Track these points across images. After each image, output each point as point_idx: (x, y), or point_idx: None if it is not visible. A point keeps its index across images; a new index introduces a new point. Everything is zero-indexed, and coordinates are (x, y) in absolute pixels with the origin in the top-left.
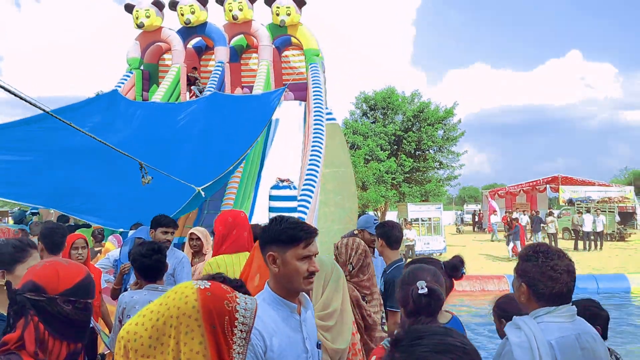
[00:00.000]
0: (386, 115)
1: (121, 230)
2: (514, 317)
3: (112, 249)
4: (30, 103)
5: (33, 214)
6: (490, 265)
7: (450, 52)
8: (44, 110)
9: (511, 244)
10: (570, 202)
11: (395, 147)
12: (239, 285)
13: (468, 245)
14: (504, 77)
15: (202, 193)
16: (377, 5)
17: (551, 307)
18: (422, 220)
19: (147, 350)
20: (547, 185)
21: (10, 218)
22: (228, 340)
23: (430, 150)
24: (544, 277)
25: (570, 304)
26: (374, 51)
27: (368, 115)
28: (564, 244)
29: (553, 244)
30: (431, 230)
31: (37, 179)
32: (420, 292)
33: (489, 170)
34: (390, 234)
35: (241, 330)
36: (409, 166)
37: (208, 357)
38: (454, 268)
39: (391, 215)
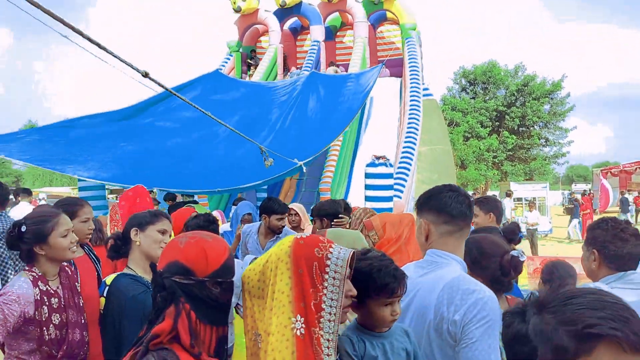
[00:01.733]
0: (487, 90)
1: (218, 189)
2: (589, 283)
3: (220, 224)
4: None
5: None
6: None
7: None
8: (166, 88)
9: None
10: None
11: (497, 123)
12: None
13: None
14: (622, 43)
15: (304, 168)
16: None
17: (619, 273)
18: (526, 200)
19: (257, 292)
20: None
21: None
22: (316, 284)
23: (536, 127)
24: (614, 239)
25: (636, 272)
26: (475, 20)
27: (467, 90)
28: None
29: None
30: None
31: (139, 159)
32: (521, 259)
33: (601, 147)
34: (500, 209)
35: (333, 277)
36: (512, 143)
37: (292, 297)
38: (512, 232)
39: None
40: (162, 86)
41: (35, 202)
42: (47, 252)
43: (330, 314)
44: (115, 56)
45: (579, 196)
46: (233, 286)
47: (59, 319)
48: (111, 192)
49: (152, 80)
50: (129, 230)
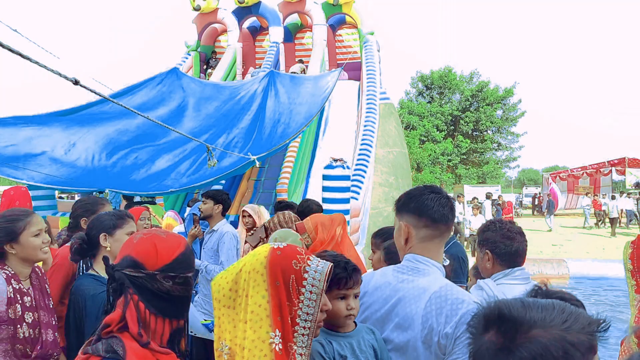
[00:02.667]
0: (443, 94)
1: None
2: (478, 280)
3: (175, 225)
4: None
5: (99, 191)
6: (551, 249)
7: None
8: (101, 95)
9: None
10: (638, 185)
11: (452, 127)
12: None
13: (526, 227)
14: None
15: (257, 163)
16: None
17: (507, 270)
18: (480, 203)
19: (227, 301)
20: (613, 168)
21: (79, 196)
22: (292, 297)
23: (489, 131)
24: (503, 238)
25: (524, 268)
26: (431, 29)
27: (424, 94)
28: (630, 230)
29: (612, 227)
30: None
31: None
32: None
33: (551, 152)
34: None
35: (310, 292)
36: (466, 147)
37: (269, 310)
38: None
39: None
40: (96, 93)
41: None
42: (18, 252)
43: (304, 327)
44: (41, 65)
45: (510, 198)
46: (189, 281)
47: (32, 318)
48: (61, 191)
49: (84, 87)
50: (96, 234)
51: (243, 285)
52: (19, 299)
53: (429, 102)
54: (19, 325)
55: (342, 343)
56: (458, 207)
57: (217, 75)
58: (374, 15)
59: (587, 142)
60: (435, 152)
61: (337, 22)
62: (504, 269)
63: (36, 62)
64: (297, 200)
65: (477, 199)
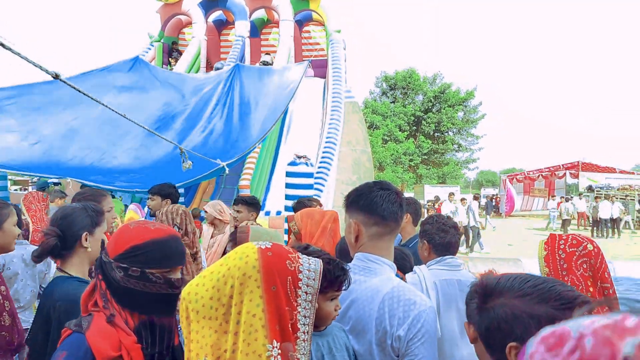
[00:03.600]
0: (406, 95)
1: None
2: (415, 266)
3: (137, 218)
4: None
5: (55, 183)
6: (505, 249)
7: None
8: (79, 90)
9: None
10: (590, 188)
11: (414, 128)
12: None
13: (484, 228)
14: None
15: (227, 169)
16: None
17: (439, 258)
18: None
19: (208, 312)
20: (567, 171)
21: (32, 187)
22: (291, 301)
23: (450, 132)
24: (438, 231)
25: (455, 257)
26: (396, 30)
27: (388, 94)
28: (584, 232)
29: (565, 229)
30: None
31: (51, 149)
32: None
33: (508, 154)
34: (418, 212)
35: (306, 292)
36: (427, 148)
37: (265, 319)
38: None
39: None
40: (75, 88)
41: None
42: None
43: (304, 332)
44: (22, 57)
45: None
46: (146, 276)
47: (8, 307)
48: (15, 182)
49: (64, 81)
50: (77, 232)
51: (229, 292)
52: None
53: (392, 102)
54: (4, 313)
55: (320, 342)
56: (449, 206)
57: (180, 67)
58: (340, 13)
59: (545, 143)
60: (397, 151)
61: (304, 18)
62: (438, 257)
63: (18, 54)
64: (260, 198)
65: (439, 197)
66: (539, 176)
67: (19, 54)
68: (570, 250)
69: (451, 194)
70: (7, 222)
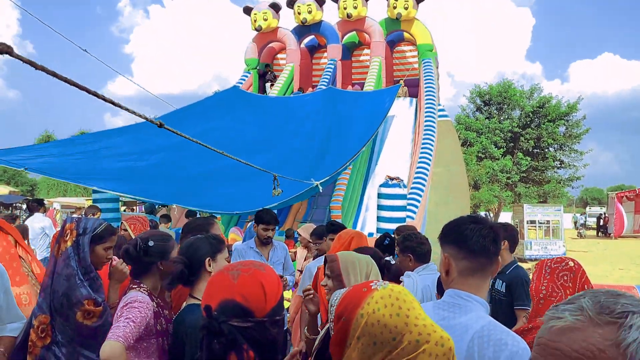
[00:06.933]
0: (502, 110)
1: (236, 212)
2: (406, 272)
3: (238, 239)
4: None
5: (163, 205)
6: (617, 274)
7: (573, 43)
8: (182, 135)
9: None
10: None
11: (512, 144)
12: None
13: (591, 250)
14: (636, 67)
15: (320, 188)
16: None
17: (424, 265)
18: (540, 223)
19: (388, 342)
20: None
21: (141, 208)
22: None
23: (551, 148)
24: (418, 244)
25: (433, 264)
26: (489, 43)
27: (482, 110)
28: None
29: None
30: (549, 233)
31: (158, 176)
32: (392, 262)
33: (616, 170)
34: (515, 238)
35: None
36: (526, 165)
37: None
38: (381, 242)
39: (505, 217)
40: (178, 133)
41: (51, 213)
42: (164, 269)
43: None
44: (130, 111)
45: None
46: (284, 322)
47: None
48: (124, 204)
49: (167, 129)
50: (201, 258)
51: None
52: (161, 312)
53: (487, 117)
54: (165, 339)
55: None
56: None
57: (274, 92)
58: (433, 32)
59: None
60: (493, 169)
61: (396, 38)
62: (420, 265)
63: (126, 109)
64: (351, 219)
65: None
66: None
67: (126, 109)
68: (554, 266)
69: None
70: (172, 254)
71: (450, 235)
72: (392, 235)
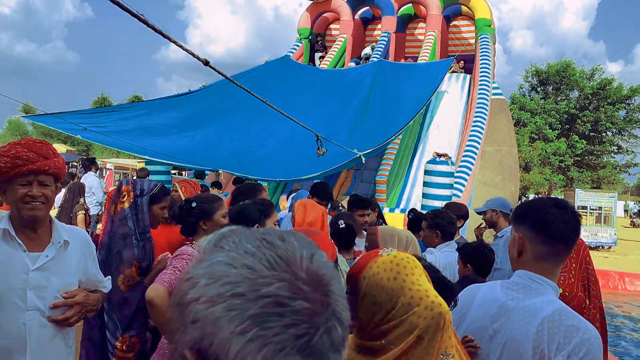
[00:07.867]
0: (559, 90)
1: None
2: (429, 248)
3: (285, 204)
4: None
5: (213, 170)
6: None
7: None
8: (224, 76)
9: None
10: None
11: (567, 126)
12: None
13: None
14: None
15: (363, 159)
16: None
17: (447, 242)
18: (592, 209)
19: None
20: None
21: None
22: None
23: (608, 132)
24: (448, 223)
25: (454, 241)
26: (550, 20)
27: (538, 90)
28: None
29: None
30: (600, 220)
31: (207, 145)
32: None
33: None
34: None
35: None
36: (581, 148)
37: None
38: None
39: None
40: (221, 73)
41: (110, 174)
42: (208, 229)
43: None
44: (179, 45)
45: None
46: None
47: None
48: (174, 167)
49: (212, 67)
50: (250, 224)
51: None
52: None
53: (543, 98)
54: None
55: None
56: None
57: (325, 64)
58: (492, 6)
59: None
60: (546, 151)
61: (452, 12)
62: (444, 242)
63: (174, 42)
64: (396, 194)
65: None
66: None
67: (176, 43)
68: None
69: None
70: (217, 214)
71: (529, 217)
72: (418, 211)
